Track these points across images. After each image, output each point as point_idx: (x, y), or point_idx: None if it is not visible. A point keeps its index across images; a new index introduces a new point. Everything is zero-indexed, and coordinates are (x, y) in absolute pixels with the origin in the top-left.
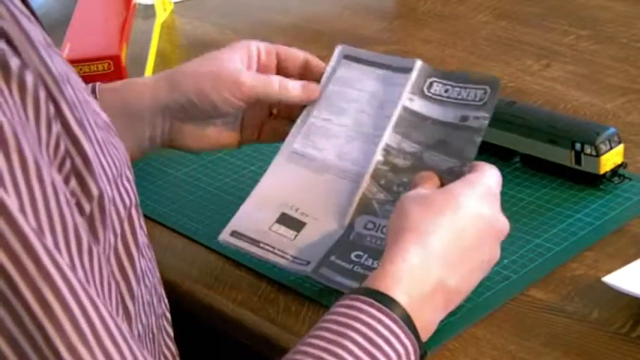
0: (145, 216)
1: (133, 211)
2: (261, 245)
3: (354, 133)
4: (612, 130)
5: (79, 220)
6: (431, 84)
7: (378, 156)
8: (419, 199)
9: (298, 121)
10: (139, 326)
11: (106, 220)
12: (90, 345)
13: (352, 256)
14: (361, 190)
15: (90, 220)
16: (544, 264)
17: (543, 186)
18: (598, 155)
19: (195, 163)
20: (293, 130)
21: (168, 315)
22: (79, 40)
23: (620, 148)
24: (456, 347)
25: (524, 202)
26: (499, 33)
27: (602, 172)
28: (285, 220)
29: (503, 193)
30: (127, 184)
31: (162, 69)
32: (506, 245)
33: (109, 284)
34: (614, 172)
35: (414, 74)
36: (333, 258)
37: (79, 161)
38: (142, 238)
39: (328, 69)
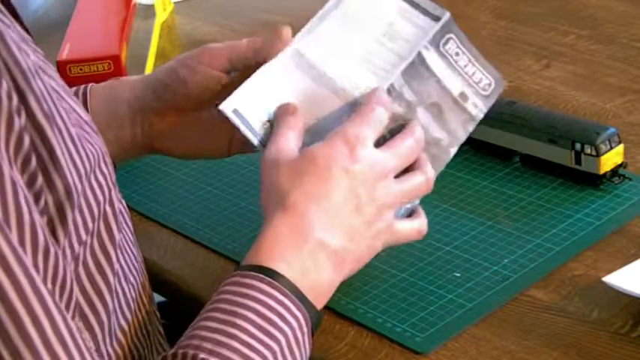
0: (145, 216)
1: (107, 208)
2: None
3: (360, 59)
4: (612, 130)
5: (37, 218)
6: (448, 40)
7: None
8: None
9: (307, 26)
10: (122, 321)
11: (76, 216)
12: (36, 347)
13: None
14: None
15: (60, 213)
16: (544, 264)
17: (543, 186)
18: (598, 155)
19: (195, 163)
20: (302, 31)
21: (158, 314)
22: (79, 40)
23: (620, 148)
24: (456, 347)
25: (524, 202)
26: (499, 33)
27: (602, 172)
28: None
29: (503, 193)
30: (101, 179)
31: None
32: (506, 245)
33: (63, 283)
34: (614, 172)
35: (439, 25)
36: None
37: (44, 154)
38: (125, 236)
39: None
